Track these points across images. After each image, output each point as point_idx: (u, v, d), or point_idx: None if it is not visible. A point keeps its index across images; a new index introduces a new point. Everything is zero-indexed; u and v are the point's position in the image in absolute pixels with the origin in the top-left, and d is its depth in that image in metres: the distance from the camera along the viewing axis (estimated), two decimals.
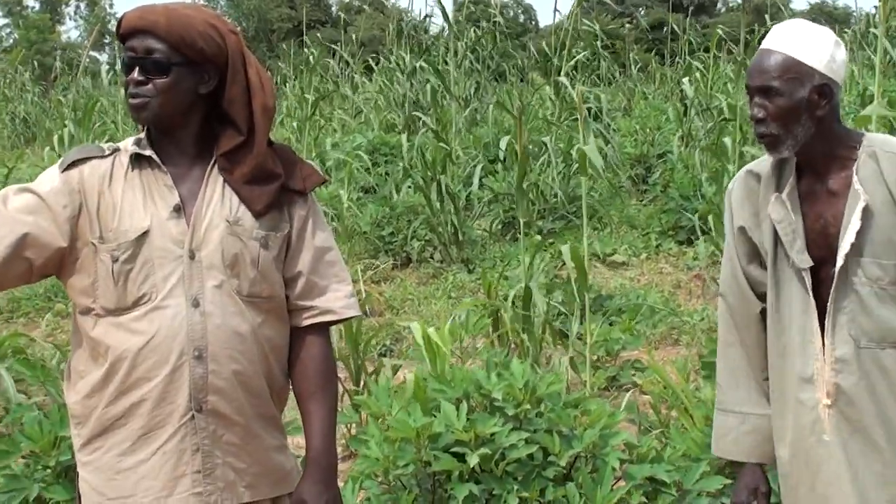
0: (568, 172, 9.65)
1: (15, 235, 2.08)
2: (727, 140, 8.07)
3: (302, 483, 2.23)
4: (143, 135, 2.21)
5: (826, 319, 2.32)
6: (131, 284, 2.12)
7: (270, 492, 2.25)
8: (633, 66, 16.62)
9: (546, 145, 9.59)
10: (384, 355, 6.26)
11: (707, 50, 12.30)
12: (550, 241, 8.20)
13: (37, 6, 46.78)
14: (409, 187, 9.90)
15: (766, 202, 2.39)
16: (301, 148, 10.90)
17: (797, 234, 2.34)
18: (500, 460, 3.26)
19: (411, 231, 8.93)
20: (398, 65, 13.63)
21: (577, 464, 3.40)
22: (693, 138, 10.62)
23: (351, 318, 2.37)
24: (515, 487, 3.23)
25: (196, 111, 2.18)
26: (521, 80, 14.89)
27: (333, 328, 2.51)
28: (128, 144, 2.21)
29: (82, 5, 49.94)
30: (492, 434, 3.25)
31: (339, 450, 2.46)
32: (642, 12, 31.95)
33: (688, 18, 16.36)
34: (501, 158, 10.14)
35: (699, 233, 8.13)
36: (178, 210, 2.15)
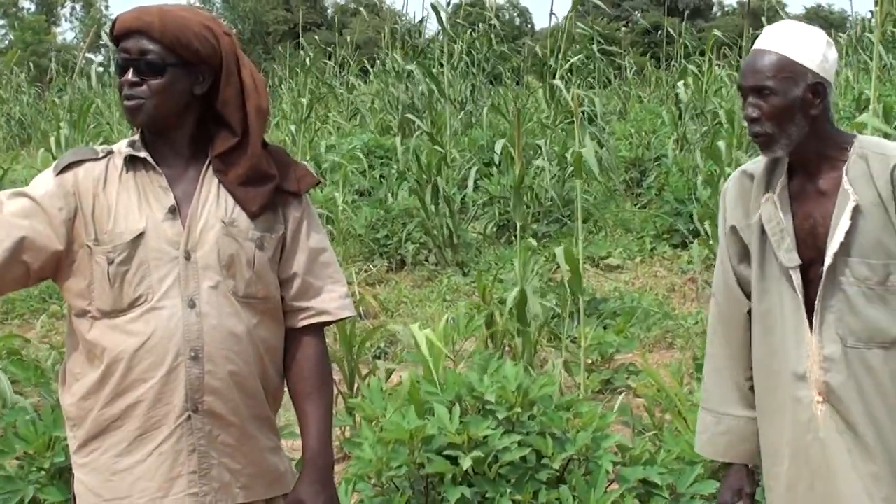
0: (562, 175, 9.66)
1: (12, 240, 2.08)
2: (721, 144, 8.09)
3: (299, 483, 2.24)
4: (137, 136, 2.22)
5: (814, 318, 2.33)
6: (127, 286, 2.12)
7: (265, 493, 2.26)
8: (628, 70, 16.64)
9: (541, 148, 9.60)
10: (378, 358, 6.26)
11: (703, 53, 12.31)
12: (545, 244, 8.20)
13: (32, 7, 46.81)
14: (404, 190, 9.90)
15: (757, 202, 2.41)
16: (296, 150, 10.89)
17: (786, 233, 2.36)
18: (493, 463, 3.26)
19: (406, 234, 8.93)
20: (392, 67, 13.63)
21: (571, 466, 3.41)
22: (688, 142, 10.64)
23: (346, 318, 2.38)
24: (508, 490, 3.23)
25: (191, 112, 2.19)
26: (517, 84, 14.89)
27: (328, 330, 2.51)
28: (122, 146, 2.21)
29: (78, 7, 49.95)
30: (485, 437, 3.25)
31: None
32: (638, 15, 31.97)
33: (683, 22, 16.36)
34: (496, 161, 10.15)
35: (693, 236, 8.14)
36: (174, 211, 2.16)
